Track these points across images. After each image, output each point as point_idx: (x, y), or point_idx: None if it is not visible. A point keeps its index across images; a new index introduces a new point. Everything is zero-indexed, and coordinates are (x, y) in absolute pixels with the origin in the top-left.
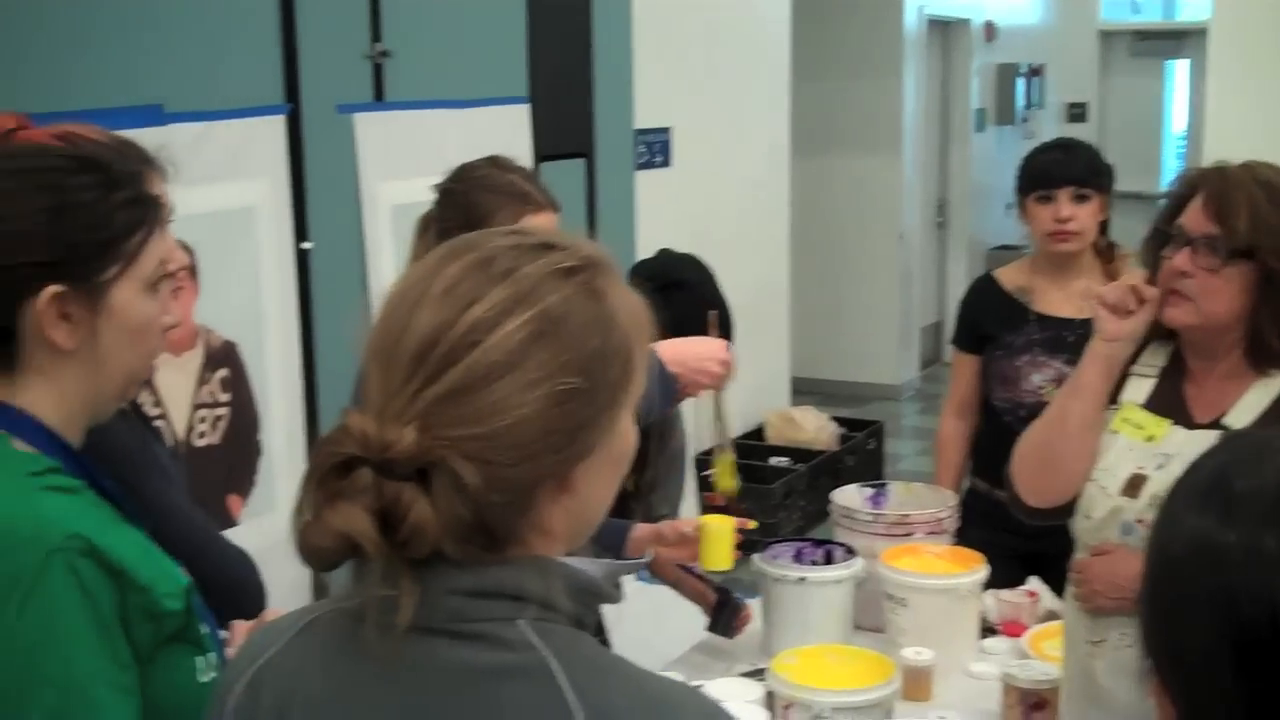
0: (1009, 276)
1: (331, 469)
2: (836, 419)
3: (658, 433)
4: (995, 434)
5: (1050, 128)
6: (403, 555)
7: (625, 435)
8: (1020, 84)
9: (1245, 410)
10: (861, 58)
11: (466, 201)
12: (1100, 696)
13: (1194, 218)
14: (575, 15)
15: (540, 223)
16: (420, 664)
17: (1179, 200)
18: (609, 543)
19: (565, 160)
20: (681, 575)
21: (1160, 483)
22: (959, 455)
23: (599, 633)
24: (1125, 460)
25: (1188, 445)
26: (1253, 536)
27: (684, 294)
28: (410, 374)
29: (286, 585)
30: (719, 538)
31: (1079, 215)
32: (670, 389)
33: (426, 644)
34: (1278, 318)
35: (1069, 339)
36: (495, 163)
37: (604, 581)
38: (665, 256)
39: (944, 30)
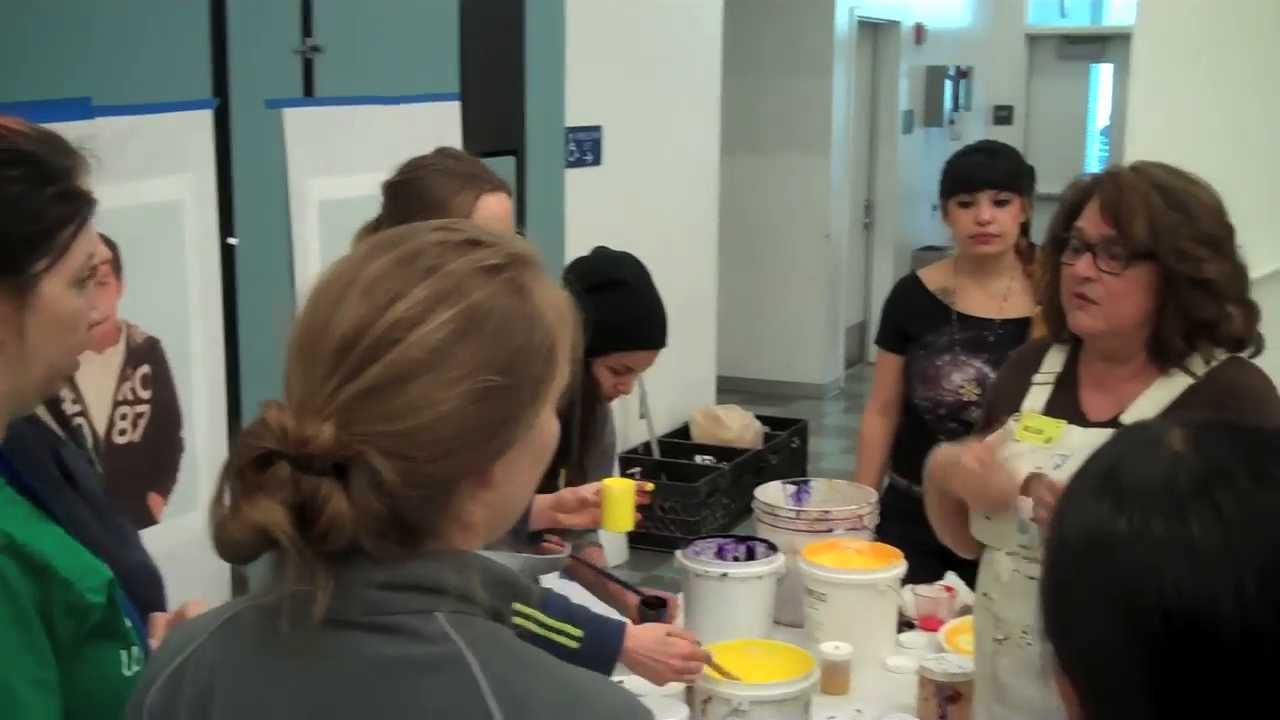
0: (932, 277)
1: (250, 463)
2: (761, 417)
3: (588, 430)
4: (916, 432)
5: (977, 130)
6: (319, 549)
7: (546, 430)
8: (948, 86)
9: (1144, 408)
10: (792, 58)
11: (422, 188)
12: (1003, 693)
13: (1091, 222)
14: (508, 12)
15: (495, 203)
16: (337, 657)
17: (1074, 206)
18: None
19: (496, 157)
20: (598, 579)
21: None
22: (881, 453)
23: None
24: (1024, 462)
25: (1084, 444)
26: (1142, 522)
27: (621, 293)
28: (331, 369)
29: (208, 581)
30: (620, 500)
31: (1000, 218)
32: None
33: (344, 637)
34: (1180, 317)
35: (989, 339)
36: (443, 152)
37: (521, 575)
38: (602, 254)
39: (874, 32)
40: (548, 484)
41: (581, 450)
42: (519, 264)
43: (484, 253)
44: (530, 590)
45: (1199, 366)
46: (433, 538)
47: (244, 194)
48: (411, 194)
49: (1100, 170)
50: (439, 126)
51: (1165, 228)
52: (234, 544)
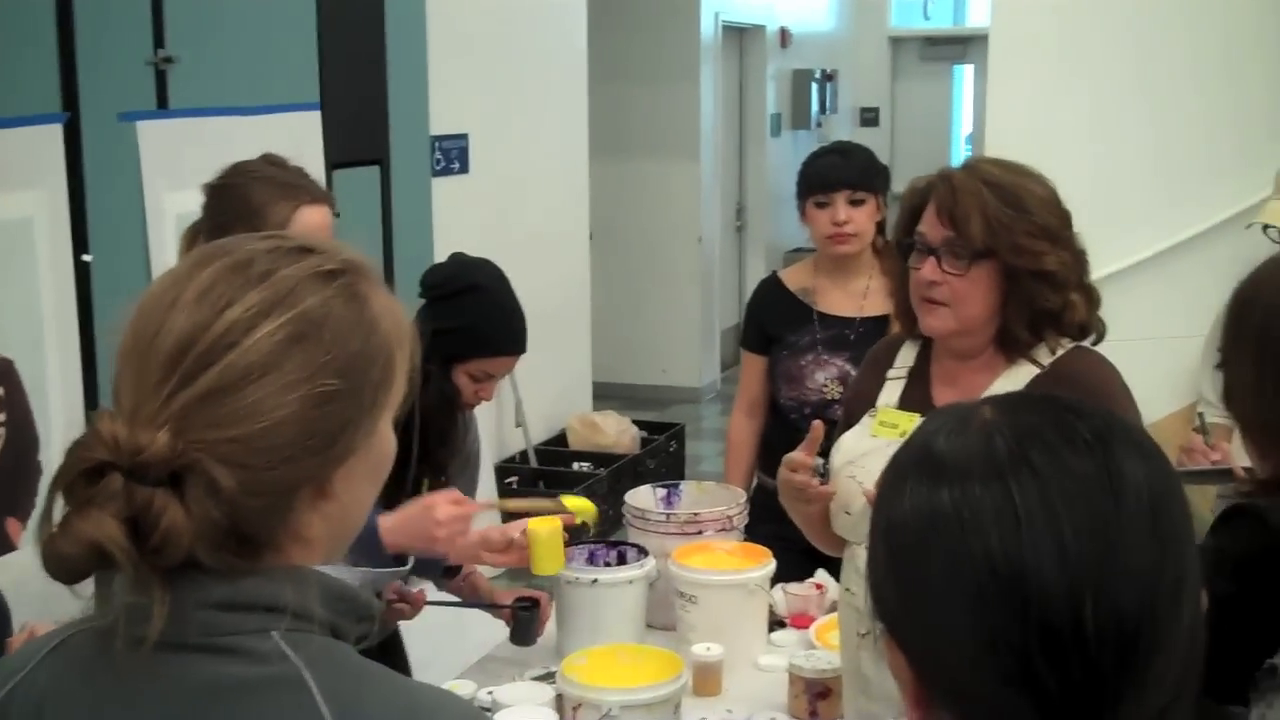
0: (792, 277)
1: (80, 475)
2: (638, 422)
3: (451, 437)
4: (783, 432)
5: (844, 132)
6: (154, 564)
7: (385, 439)
8: (814, 89)
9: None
10: (659, 63)
11: (242, 194)
12: (868, 686)
13: (931, 226)
14: (367, 20)
15: (314, 215)
16: (173, 680)
17: (914, 209)
18: (364, 543)
19: (360, 167)
20: (471, 591)
21: None
22: (749, 453)
23: (393, 644)
24: (880, 456)
25: None
26: (965, 491)
27: (478, 298)
28: (164, 377)
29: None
30: (545, 543)
31: (856, 218)
32: (375, 553)
33: (179, 660)
34: (1024, 309)
35: (850, 337)
36: (268, 159)
37: (361, 590)
38: (458, 261)
39: (739, 36)
40: (409, 493)
41: (443, 458)
42: (354, 271)
43: (317, 259)
44: (371, 604)
45: (1044, 356)
46: (272, 551)
47: (98, 209)
48: (231, 198)
49: (934, 173)
50: (299, 136)
51: (1002, 225)
52: (64, 560)
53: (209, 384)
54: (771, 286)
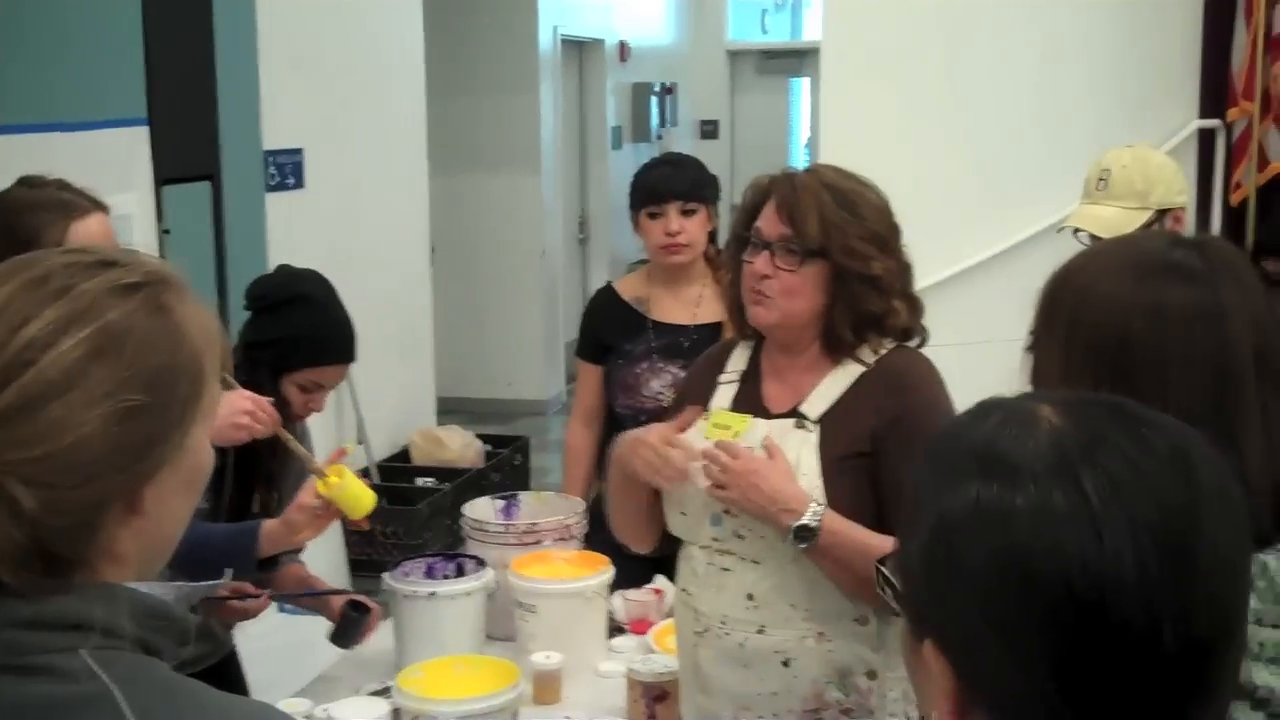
0: (627, 287)
1: None
2: (482, 436)
3: (280, 450)
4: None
5: (685, 144)
6: None
7: (198, 452)
8: (654, 102)
9: (821, 397)
10: (498, 76)
11: (9, 225)
12: (707, 685)
13: (769, 223)
14: (195, 33)
15: (90, 227)
16: None
17: (753, 206)
18: (241, 547)
19: (190, 183)
20: (304, 588)
21: None
22: (587, 463)
23: (229, 665)
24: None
25: (768, 434)
26: (1040, 495)
27: (306, 308)
28: None
29: None
30: (347, 489)
31: (688, 228)
32: None
33: None
34: (850, 311)
35: (685, 345)
36: (26, 182)
37: (175, 605)
38: (283, 272)
39: (579, 50)
40: (243, 506)
41: (276, 470)
42: (157, 283)
43: (119, 272)
44: (186, 619)
45: (869, 356)
46: (81, 570)
47: None
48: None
49: (778, 172)
50: (125, 153)
51: (836, 227)
52: None
53: (8, 403)
54: (606, 296)
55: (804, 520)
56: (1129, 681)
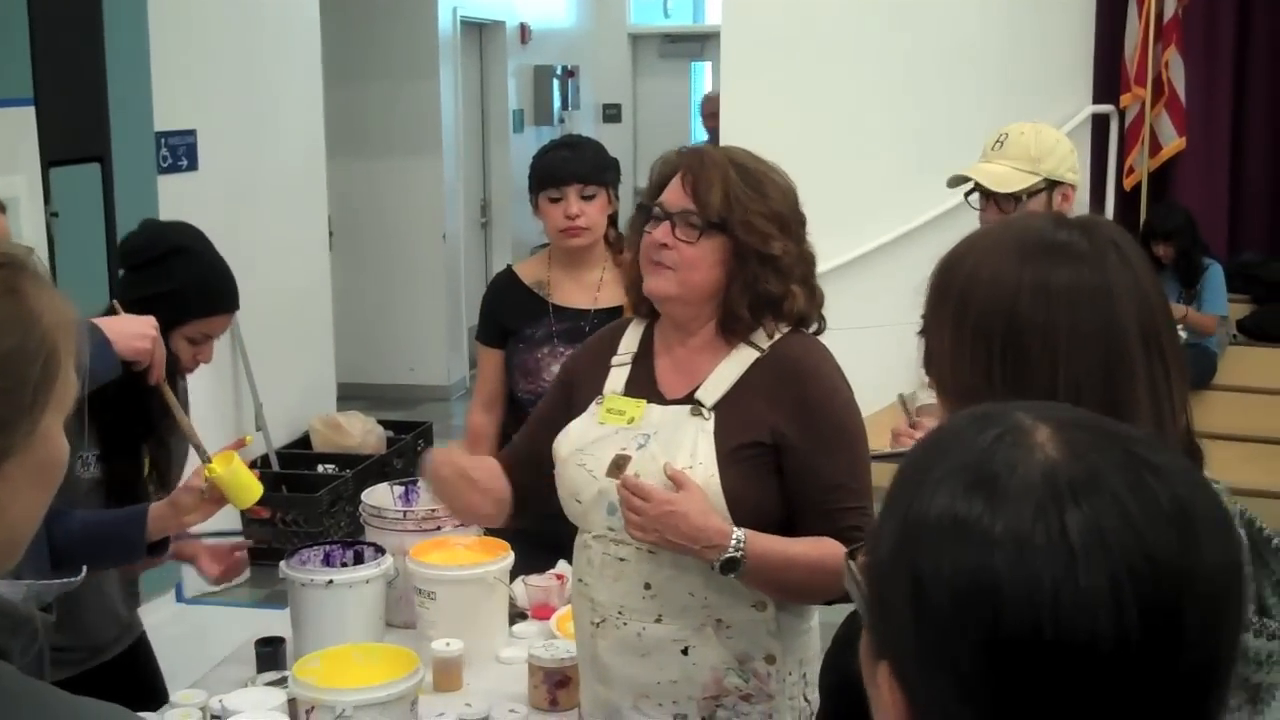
0: (527, 271)
1: None
2: (385, 422)
3: (169, 406)
4: (517, 425)
5: (587, 128)
6: None
7: (52, 440)
8: (556, 85)
9: (717, 382)
10: (397, 59)
11: None
12: (606, 673)
13: (673, 194)
14: (83, 10)
15: None
16: None
17: (662, 180)
18: (129, 535)
19: (79, 165)
20: (198, 547)
21: (642, 462)
22: (488, 447)
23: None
24: (609, 444)
25: (664, 421)
26: (1018, 527)
27: (187, 259)
28: None
29: None
30: (234, 477)
31: (588, 211)
32: (109, 357)
33: None
34: (747, 289)
35: (585, 329)
36: None
37: (24, 603)
38: (155, 225)
39: (479, 32)
40: (132, 466)
41: (166, 429)
42: (10, 265)
43: None
44: (33, 618)
45: (763, 341)
46: None
47: None
48: None
49: (689, 147)
50: (11, 134)
51: (739, 201)
52: None
53: None
54: (506, 280)
55: (728, 554)
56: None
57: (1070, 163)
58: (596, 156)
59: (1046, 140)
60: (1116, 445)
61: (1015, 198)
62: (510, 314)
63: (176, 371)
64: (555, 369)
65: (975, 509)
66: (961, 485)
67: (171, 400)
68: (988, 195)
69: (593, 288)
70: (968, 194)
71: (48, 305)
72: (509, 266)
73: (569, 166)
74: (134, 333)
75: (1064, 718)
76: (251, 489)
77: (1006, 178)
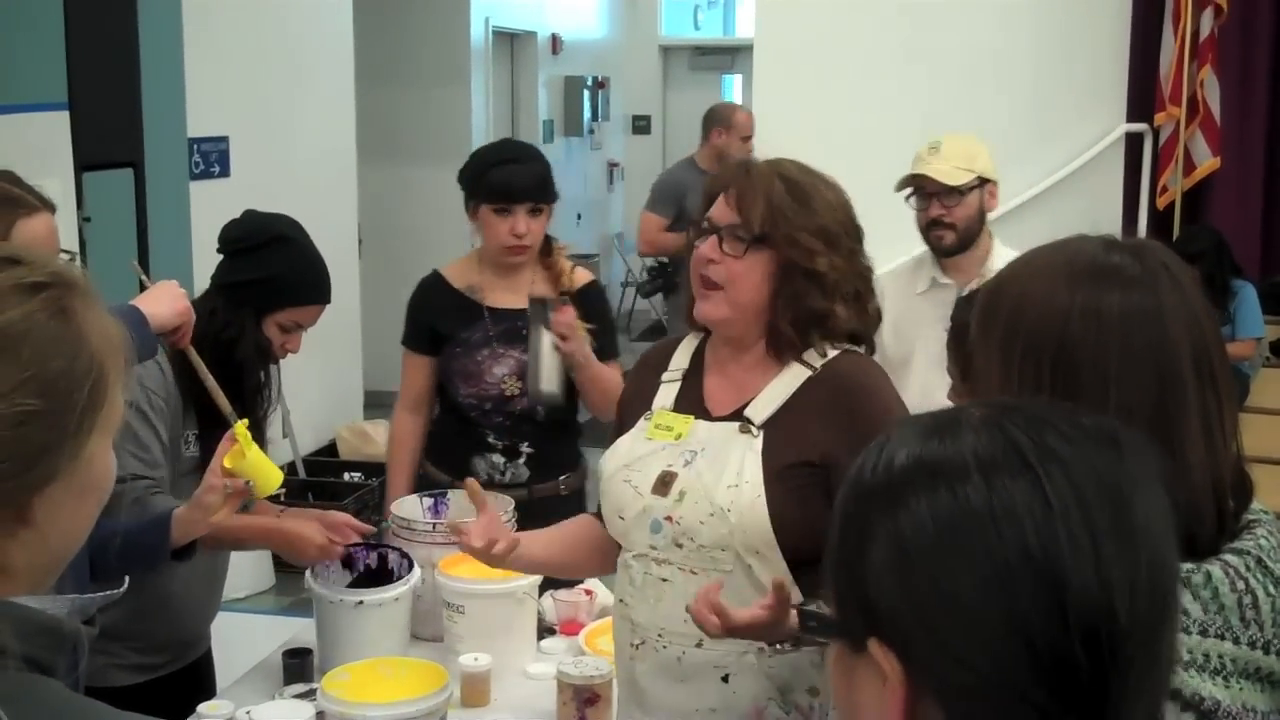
0: (457, 274)
1: None
2: None
3: (266, 388)
4: (462, 429)
5: (617, 139)
6: None
7: (98, 463)
8: (586, 96)
9: (768, 400)
10: (429, 68)
11: None
12: (643, 698)
13: (720, 209)
14: (119, 17)
15: (35, 227)
16: None
17: (712, 195)
18: (152, 541)
19: (112, 170)
20: (245, 522)
21: (687, 479)
22: (412, 449)
23: (201, 665)
24: (656, 459)
25: (711, 437)
26: (990, 485)
27: (285, 248)
28: None
29: None
30: (256, 466)
31: (534, 228)
32: (148, 338)
33: None
34: (790, 305)
35: (522, 329)
36: None
37: (68, 619)
38: (256, 216)
39: (511, 42)
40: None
41: (258, 410)
42: (62, 285)
43: (22, 271)
44: (79, 633)
45: (815, 359)
46: None
47: None
48: None
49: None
50: (45, 138)
51: (783, 215)
52: None
53: None
54: (434, 284)
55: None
56: (1095, 657)
57: (992, 165)
58: (545, 171)
59: (975, 144)
60: (1027, 410)
61: (959, 191)
62: (442, 318)
63: (270, 358)
64: (498, 371)
65: (943, 494)
66: (924, 482)
67: (198, 364)
68: (928, 195)
69: (525, 288)
70: (907, 197)
71: (97, 328)
72: (435, 271)
73: (521, 182)
74: (170, 298)
75: (1067, 641)
76: (273, 475)
77: (952, 175)
